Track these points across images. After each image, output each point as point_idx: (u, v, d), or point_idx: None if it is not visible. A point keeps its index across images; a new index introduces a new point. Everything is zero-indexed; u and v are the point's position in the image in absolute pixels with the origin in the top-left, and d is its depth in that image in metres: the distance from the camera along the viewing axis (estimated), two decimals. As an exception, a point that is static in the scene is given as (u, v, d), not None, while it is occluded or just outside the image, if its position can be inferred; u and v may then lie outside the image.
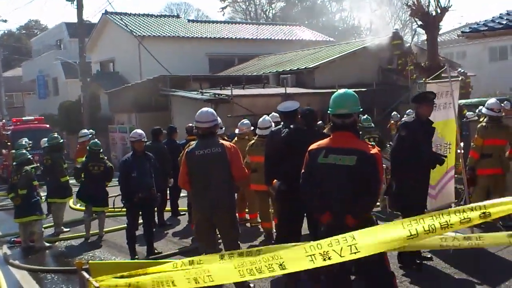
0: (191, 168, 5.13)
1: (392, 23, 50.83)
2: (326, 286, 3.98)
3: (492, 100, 7.50)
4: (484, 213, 2.42)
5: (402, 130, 5.76)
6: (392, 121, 16.02)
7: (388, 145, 10.05)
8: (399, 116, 15.99)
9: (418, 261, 5.82)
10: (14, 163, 8.80)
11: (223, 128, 8.49)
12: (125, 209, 7.61)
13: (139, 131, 7.69)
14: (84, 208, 9.40)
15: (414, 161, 5.47)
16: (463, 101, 12.90)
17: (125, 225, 7.61)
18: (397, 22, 50.88)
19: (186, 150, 5.30)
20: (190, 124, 8.74)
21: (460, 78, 9.28)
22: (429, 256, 6.00)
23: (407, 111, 15.18)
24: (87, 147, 9.34)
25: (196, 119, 5.22)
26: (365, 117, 9.41)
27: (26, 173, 8.40)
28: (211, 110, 5.30)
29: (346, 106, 3.84)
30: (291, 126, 5.60)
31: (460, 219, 2.43)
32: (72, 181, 10.28)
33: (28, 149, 9.94)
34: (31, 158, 8.90)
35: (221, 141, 5.32)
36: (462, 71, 18.56)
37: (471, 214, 2.44)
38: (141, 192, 7.19)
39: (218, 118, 5.50)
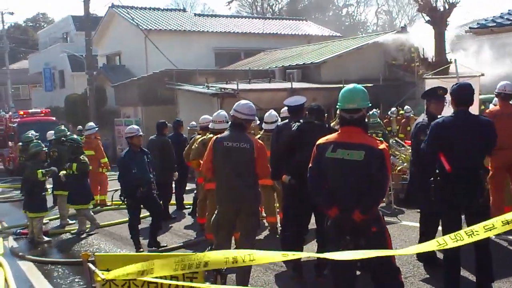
0: (216, 157, 5.15)
1: (399, 19, 50.68)
2: (331, 278, 3.97)
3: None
4: (507, 220, 2.42)
5: (421, 134, 5.29)
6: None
7: (393, 141, 10.02)
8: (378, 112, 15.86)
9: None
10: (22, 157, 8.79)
11: (229, 123, 8.47)
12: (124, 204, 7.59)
13: (135, 126, 7.69)
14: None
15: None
16: None
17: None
18: (404, 17, 50.74)
19: (215, 138, 5.31)
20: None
21: (479, 75, 8.89)
22: None
23: (405, 108, 15.17)
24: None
25: (234, 107, 5.27)
26: (371, 112, 9.33)
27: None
28: (251, 104, 5.30)
29: (355, 101, 3.82)
30: (301, 120, 5.58)
31: (484, 225, 2.44)
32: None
33: (35, 141, 9.95)
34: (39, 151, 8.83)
35: (251, 137, 5.31)
36: None
37: (495, 222, 2.45)
38: (143, 187, 7.20)
39: (256, 118, 5.41)
